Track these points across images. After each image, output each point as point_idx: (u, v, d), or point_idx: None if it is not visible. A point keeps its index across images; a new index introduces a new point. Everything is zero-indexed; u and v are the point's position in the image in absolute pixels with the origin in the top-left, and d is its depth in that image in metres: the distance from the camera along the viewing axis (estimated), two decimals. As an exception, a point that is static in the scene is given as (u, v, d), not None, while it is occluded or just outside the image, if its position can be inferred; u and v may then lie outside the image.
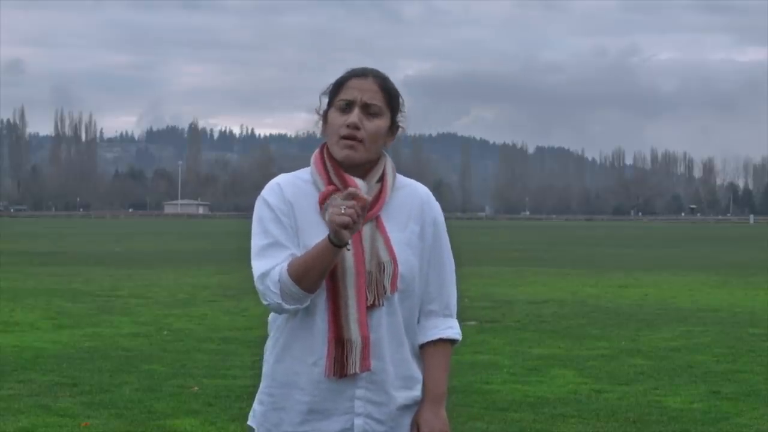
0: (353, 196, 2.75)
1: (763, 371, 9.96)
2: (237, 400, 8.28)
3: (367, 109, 2.94)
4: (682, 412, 8.00)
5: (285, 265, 2.86)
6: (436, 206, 3.06)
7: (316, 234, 2.89)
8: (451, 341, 3.04)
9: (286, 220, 2.93)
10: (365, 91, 2.94)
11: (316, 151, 3.02)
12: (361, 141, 2.93)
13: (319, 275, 2.83)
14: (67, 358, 10.46)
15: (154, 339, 12.05)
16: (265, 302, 2.92)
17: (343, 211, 2.73)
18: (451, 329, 3.04)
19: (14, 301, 16.40)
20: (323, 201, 2.92)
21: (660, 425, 7.59)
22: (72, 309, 15.40)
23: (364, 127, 2.93)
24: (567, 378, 9.54)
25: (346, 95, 2.95)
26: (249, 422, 3.09)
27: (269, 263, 2.89)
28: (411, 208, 3.01)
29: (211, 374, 9.55)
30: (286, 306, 2.87)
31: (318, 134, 3.05)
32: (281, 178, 3.02)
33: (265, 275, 2.88)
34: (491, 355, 10.93)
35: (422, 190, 3.06)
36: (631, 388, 9.02)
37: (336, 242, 2.77)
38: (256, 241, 2.95)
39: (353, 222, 2.74)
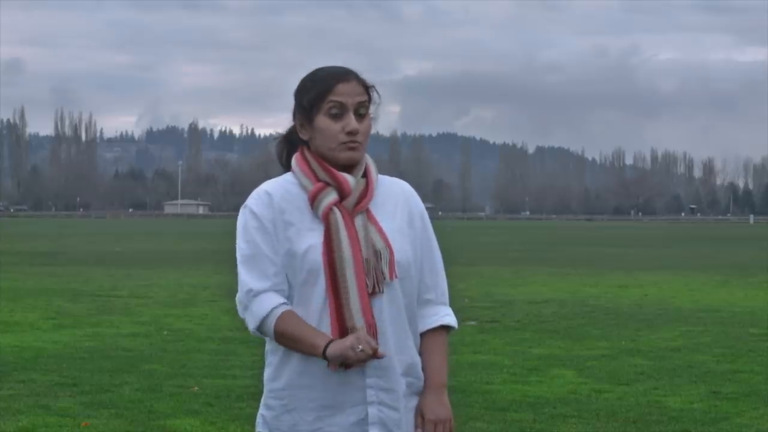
0: (374, 351, 2.84)
1: (763, 371, 9.96)
2: (237, 400, 8.28)
3: (358, 111, 2.99)
4: (682, 412, 8.01)
5: (278, 311, 2.93)
6: (419, 200, 3.13)
7: (311, 236, 2.93)
8: (449, 328, 3.09)
9: (271, 228, 2.96)
10: (354, 95, 2.98)
11: (298, 156, 3.03)
12: (360, 142, 2.99)
13: (298, 351, 2.93)
14: (67, 358, 10.46)
15: (154, 339, 12.05)
16: (240, 315, 3.01)
17: (360, 349, 2.82)
18: (449, 316, 3.09)
19: (14, 301, 16.40)
20: (314, 198, 2.95)
21: (660, 425, 7.59)
22: (72, 309, 15.40)
23: (360, 129, 2.98)
24: (567, 378, 9.54)
25: (336, 100, 2.96)
26: (260, 429, 3.05)
27: (259, 282, 2.94)
28: (397, 198, 3.06)
29: (211, 374, 9.55)
30: (254, 334, 3.01)
31: (304, 138, 3.03)
32: (268, 185, 3.03)
33: (252, 295, 2.95)
34: (491, 355, 10.93)
35: (405, 186, 3.12)
36: (631, 388, 9.02)
37: (328, 358, 2.86)
38: (242, 249, 2.98)
39: (356, 362, 2.85)
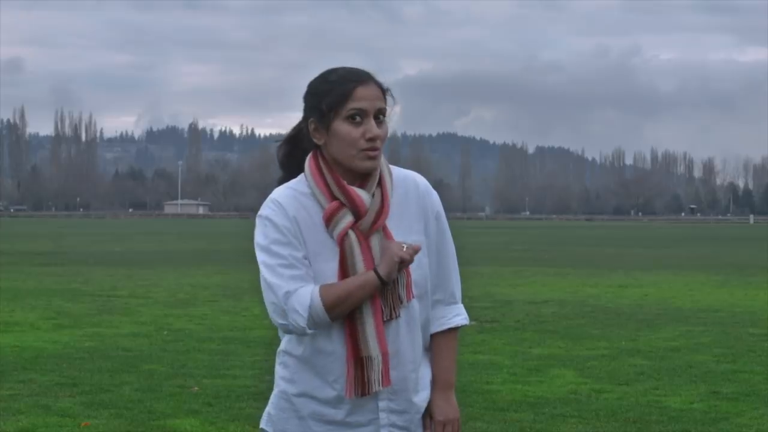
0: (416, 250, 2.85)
1: (763, 371, 9.96)
2: (237, 400, 8.28)
3: (377, 116, 2.90)
4: (682, 412, 8.00)
5: (317, 290, 2.82)
6: (435, 197, 3.03)
7: (327, 255, 2.87)
8: (458, 327, 3.05)
9: (295, 240, 2.88)
10: (374, 99, 2.88)
11: (311, 161, 2.94)
12: (379, 149, 2.90)
13: (354, 307, 2.83)
14: (67, 358, 10.46)
15: (154, 339, 12.05)
16: (282, 321, 2.86)
17: (405, 249, 2.80)
18: (458, 317, 3.04)
19: (14, 301, 16.40)
20: (329, 220, 2.87)
21: (660, 425, 7.59)
22: (72, 309, 15.39)
23: (380, 135, 2.89)
24: (567, 378, 9.54)
25: (357, 106, 2.86)
26: (263, 426, 3.02)
27: (292, 283, 2.84)
28: (413, 204, 2.98)
29: (211, 374, 9.55)
30: (309, 330, 2.84)
31: (318, 142, 2.93)
32: (280, 195, 2.93)
33: (290, 294, 2.83)
34: (491, 355, 10.93)
35: (420, 183, 3.01)
36: (631, 388, 9.01)
37: (385, 279, 2.80)
38: (269, 260, 2.87)
39: (408, 263, 2.83)
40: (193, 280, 21.68)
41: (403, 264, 2.83)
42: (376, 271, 2.82)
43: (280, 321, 2.87)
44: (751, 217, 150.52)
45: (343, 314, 2.84)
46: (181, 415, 7.78)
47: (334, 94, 2.87)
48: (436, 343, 3.03)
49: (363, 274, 2.83)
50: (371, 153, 2.87)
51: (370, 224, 2.88)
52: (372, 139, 2.86)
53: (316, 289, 2.83)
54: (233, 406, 8.02)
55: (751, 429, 7.54)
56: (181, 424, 7.47)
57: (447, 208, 3.09)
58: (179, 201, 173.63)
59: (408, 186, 2.99)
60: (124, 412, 7.84)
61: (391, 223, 2.92)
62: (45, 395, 8.48)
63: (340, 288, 2.82)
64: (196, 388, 8.79)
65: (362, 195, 2.88)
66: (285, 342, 3.00)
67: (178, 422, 7.53)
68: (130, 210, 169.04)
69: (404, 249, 2.81)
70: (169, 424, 7.47)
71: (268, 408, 3.03)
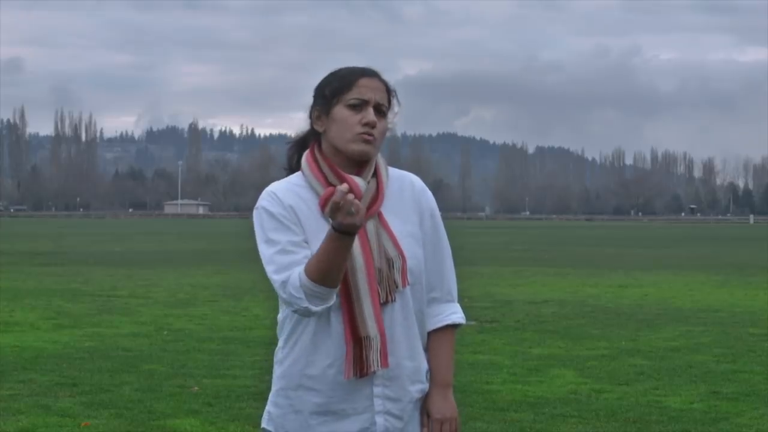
0: (342, 198, 2.70)
1: (763, 371, 9.96)
2: (237, 400, 8.28)
3: (378, 109, 2.96)
4: (682, 412, 8.00)
5: (301, 268, 2.85)
6: (430, 196, 3.09)
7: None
8: (456, 326, 3.07)
9: (292, 225, 2.92)
10: (377, 91, 2.96)
11: (307, 155, 3.00)
12: (375, 138, 2.94)
13: (338, 270, 2.82)
14: (67, 358, 10.46)
15: (154, 339, 12.05)
16: (292, 309, 2.90)
17: (352, 211, 2.70)
18: (455, 314, 3.06)
19: (14, 301, 16.40)
20: (324, 203, 2.88)
21: (660, 425, 7.59)
22: (72, 309, 15.39)
23: (377, 125, 2.94)
24: (567, 378, 9.54)
25: (359, 94, 2.93)
26: (264, 425, 3.04)
27: (286, 271, 2.87)
28: (408, 199, 3.03)
29: (211, 374, 9.55)
30: (314, 308, 2.85)
31: (319, 129, 2.99)
32: (275, 187, 2.99)
33: (285, 283, 2.86)
34: (491, 355, 10.93)
35: (416, 182, 3.07)
36: (631, 388, 9.02)
37: (337, 228, 2.73)
38: (266, 251, 2.92)
39: (360, 216, 2.73)
40: (193, 280, 21.65)
41: (340, 203, 2.70)
42: (330, 231, 2.79)
43: (290, 309, 2.92)
44: (751, 217, 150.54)
45: (337, 278, 2.82)
46: (181, 415, 7.78)
47: (339, 82, 2.96)
48: (433, 340, 3.04)
49: (324, 240, 2.80)
50: (366, 137, 2.92)
51: (365, 210, 2.90)
52: (368, 125, 2.92)
53: (301, 268, 2.85)
54: (233, 406, 8.03)
55: (751, 429, 7.54)
56: (181, 424, 7.47)
57: (447, 208, 3.12)
58: (179, 201, 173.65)
59: (404, 183, 3.05)
60: (124, 412, 7.84)
61: (387, 211, 2.97)
62: (45, 395, 8.48)
63: (316, 258, 2.82)
64: (196, 388, 8.80)
65: (358, 181, 2.93)
66: (281, 334, 3.02)
67: (178, 422, 7.54)
68: (130, 210, 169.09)
69: (349, 210, 2.70)
70: (169, 424, 7.48)
71: (268, 407, 3.05)
